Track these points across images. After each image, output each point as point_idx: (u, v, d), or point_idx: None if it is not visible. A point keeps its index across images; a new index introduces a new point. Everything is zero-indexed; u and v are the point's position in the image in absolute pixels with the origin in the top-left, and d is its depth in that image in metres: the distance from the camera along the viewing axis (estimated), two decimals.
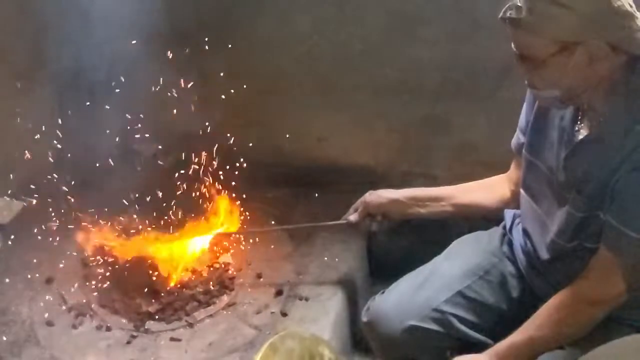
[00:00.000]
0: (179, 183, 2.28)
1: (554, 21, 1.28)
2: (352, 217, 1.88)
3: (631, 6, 1.31)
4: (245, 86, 2.42)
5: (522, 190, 1.63)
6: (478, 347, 1.58)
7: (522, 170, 1.62)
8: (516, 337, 1.47)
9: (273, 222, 2.30)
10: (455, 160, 2.40)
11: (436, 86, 2.32)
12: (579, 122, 1.44)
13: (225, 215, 2.20)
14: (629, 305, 1.41)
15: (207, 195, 2.26)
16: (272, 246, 2.22)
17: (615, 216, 1.34)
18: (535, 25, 1.29)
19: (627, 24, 1.29)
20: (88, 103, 2.49)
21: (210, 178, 2.34)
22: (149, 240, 2.11)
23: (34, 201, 2.28)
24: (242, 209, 2.22)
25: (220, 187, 2.27)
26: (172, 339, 1.86)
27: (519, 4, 1.30)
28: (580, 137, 1.43)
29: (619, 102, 1.35)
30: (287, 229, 2.21)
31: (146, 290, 2.01)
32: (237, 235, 2.20)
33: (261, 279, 2.09)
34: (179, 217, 2.23)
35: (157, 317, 1.93)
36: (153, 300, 1.98)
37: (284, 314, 1.93)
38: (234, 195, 2.23)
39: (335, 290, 2.01)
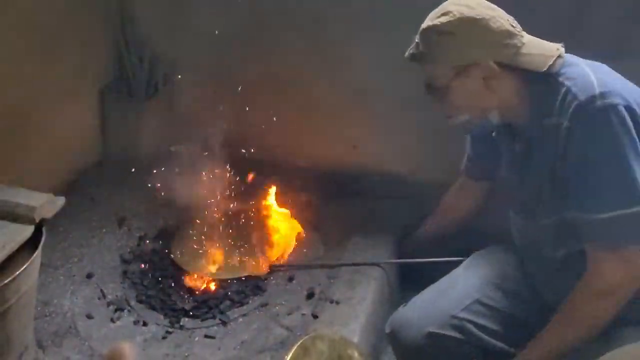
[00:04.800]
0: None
1: (443, 48, 1.45)
2: None
3: (513, 26, 1.43)
4: (279, 92, 2.47)
5: (510, 212, 1.69)
6: (502, 356, 1.60)
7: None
8: (536, 345, 1.49)
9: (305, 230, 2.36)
10: None
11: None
12: (516, 141, 1.54)
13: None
14: None
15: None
16: (304, 250, 2.26)
17: (577, 209, 1.39)
18: (429, 55, 1.48)
19: (510, 42, 1.42)
20: (129, 104, 2.57)
21: (246, 181, 2.42)
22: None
23: (77, 197, 2.37)
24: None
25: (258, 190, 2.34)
26: (206, 336, 1.91)
27: (417, 40, 1.50)
28: (518, 153, 1.54)
29: (531, 111, 1.45)
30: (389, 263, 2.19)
31: (182, 288, 2.08)
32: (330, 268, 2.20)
33: (293, 281, 2.13)
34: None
35: (191, 314, 1.99)
36: (188, 298, 2.04)
37: (315, 316, 1.96)
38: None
39: (365, 294, 2.03)
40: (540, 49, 1.44)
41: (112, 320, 1.97)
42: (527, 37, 1.46)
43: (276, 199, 2.42)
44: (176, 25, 2.53)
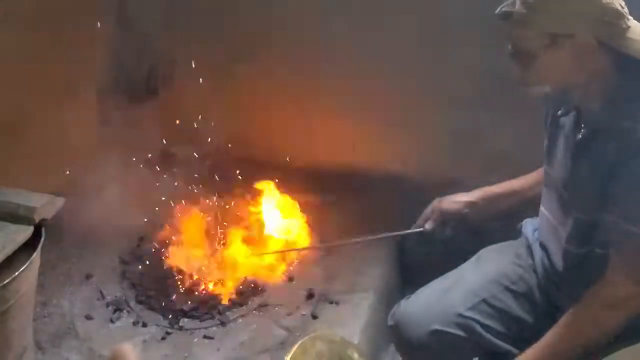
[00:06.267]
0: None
1: (545, 13, 1.34)
2: (427, 225, 1.85)
3: (622, 7, 1.36)
4: (279, 92, 2.46)
5: (541, 206, 1.66)
6: (506, 357, 1.59)
7: (543, 185, 1.65)
8: (537, 347, 1.47)
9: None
10: (487, 169, 2.38)
11: (468, 95, 2.33)
12: (581, 128, 1.47)
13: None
14: None
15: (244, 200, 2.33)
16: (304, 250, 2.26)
17: (619, 215, 1.36)
18: (527, 16, 1.36)
19: (616, 21, 1.34)
20: (128, 104, 2.56)
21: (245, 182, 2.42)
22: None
23: (76, 198, 2.36)
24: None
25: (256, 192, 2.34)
26: (205, 337, 1.91)
27: None
28: (578, 140, 1.47)
29: (609, 101, 1.39)
30: (360, 241, 2.11)
31: (181, 288, 2.08)
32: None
33: (293, 282, 2.12)
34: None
35: (191, 315, 1.98)
36: (187, 299, 2.04)
37: (315, 317, 1.96)
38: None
39: (365, 294, 2.03)
40: None
41: (112, 321, 1.97)
42: (633, 22, 1.38)
43: (275, 199, 2.42)
44: (175, 26, 2.52)
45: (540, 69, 1.41)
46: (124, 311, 2.01)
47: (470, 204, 1.83)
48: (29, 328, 1.77)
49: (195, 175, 2.38)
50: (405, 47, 2.31)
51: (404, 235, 1.96)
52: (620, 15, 1.35)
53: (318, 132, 2.52)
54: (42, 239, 1.67)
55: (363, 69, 2.39)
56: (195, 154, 2.44)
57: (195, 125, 2.48)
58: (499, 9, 1.41)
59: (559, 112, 1.54)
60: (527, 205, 1.80)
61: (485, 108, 2.32)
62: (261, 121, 2.51)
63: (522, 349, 1.53)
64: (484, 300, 1.64)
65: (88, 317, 1.97)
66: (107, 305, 2.03)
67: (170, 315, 1.98)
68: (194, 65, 2.53)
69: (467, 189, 2.39)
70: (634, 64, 1.35)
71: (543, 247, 1.65)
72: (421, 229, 1.86)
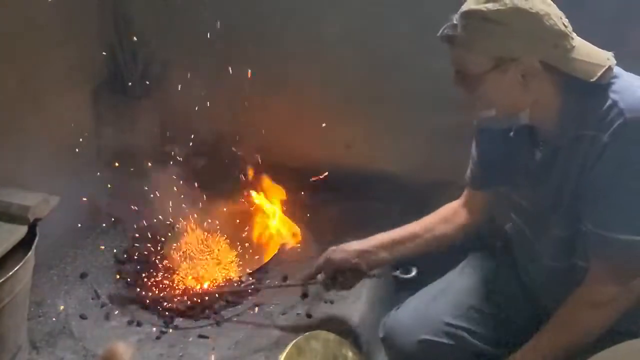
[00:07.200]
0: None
1: (487, 37, 1.32)
2: (320, 276, 1.81)
3: (565, 26, 1.34)
4: (272, 93, 2.47)
5: (514, 215, 1.64)
6: None
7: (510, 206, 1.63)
8: (525, 349, 1.47)
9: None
10: None
11: (464, 96, 2.34)
12: (540, 147, 1.47)
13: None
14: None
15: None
16: (299, 249, 2.27)
17: (596, 224, 1.35)
18: (469, 41, 1.34)
19: (560, 43, 1.32)
20: (123, 103, 2.57)
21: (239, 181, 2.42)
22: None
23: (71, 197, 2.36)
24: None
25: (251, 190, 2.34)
26: (200, 336, 1.91)
27: (455, 22, 1.36)
28: (539, 160, 1.47)
29: (562, 118, 1.38)
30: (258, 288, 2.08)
31: (176, 288, 2.08)
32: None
33: (287, 281, 2.13)
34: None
35: (186, 314, 1.98)
36: (182, 298, 2.03)
37: (309, 316, 1.96)
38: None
39: (359, 293, 2.03)
40: (590, 56, 1.34)
41: (106, 321, 1.96)
42: (577, 40, 1.36)
43: (271, 200, 2.43)
44: (170, 25, 2.53)
45: (486, 93, 1.38)
46: (119, 311, 2.00)
47: (361, 253, 1.75)
48: (23, 327, 1.77)
49: (190, 174, 2.38)
50: (400, 47, 2.32)
51: (303, 284, 1.91)
52: (564, 36, 1.33)
53: (312, 132, 2.53)
54: (36, 238, 1.67)
55: (357, 70, 2.40)
56: (188, 153, 2.44)
57: (189, 125, 2.48)
58: (440, 31, 1.39)
59: (511, 134, 1.51)
60: (422, 252, 1.75)
61: None
62: (255, 121, 2.51)
63: (511, 351, 1.53)
64: (472, 307, 1.64)
65: (83, 317, 1.97)
66: (102, 304, 2.02)
67: (165, 315, 1.98)
68: (187, 65, 2.54)
69: (463, 189, 2.42)
70: (579, 83, 1.33)
71: (523, 255, 1.66)
72: (314, 281, 1.83)
